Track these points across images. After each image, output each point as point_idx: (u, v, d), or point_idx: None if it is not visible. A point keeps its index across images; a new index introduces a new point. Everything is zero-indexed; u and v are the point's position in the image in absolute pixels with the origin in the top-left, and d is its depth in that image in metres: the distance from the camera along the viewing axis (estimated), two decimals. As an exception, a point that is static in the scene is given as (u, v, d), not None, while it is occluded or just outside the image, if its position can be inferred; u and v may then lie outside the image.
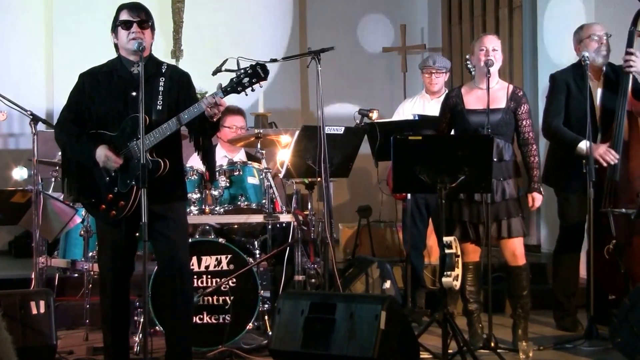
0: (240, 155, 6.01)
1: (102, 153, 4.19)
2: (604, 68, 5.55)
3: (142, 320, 4.73)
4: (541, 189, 5.10)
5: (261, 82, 4.15)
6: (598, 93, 5.54)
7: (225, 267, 5.12)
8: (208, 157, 4.46)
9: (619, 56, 5.50)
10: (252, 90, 4.18)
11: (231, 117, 6.00)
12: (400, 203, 6.30)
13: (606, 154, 5.31)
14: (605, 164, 5.30)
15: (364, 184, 8.60)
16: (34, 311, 4.66)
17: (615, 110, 5.39)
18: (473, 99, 5.11)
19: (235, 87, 4.14)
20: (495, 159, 4.80)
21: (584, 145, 5.28)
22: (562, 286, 5.72)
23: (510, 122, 5.04)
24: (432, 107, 6.13)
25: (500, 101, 5.03)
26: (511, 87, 5.17)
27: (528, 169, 5.10)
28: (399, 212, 6.47)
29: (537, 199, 5.09)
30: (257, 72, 4.14)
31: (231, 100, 4.47)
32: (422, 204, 6.01)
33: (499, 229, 4.97)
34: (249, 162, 5.61)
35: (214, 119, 4.17)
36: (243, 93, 4.17)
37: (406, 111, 6.29)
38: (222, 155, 5.90)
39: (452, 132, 5.25)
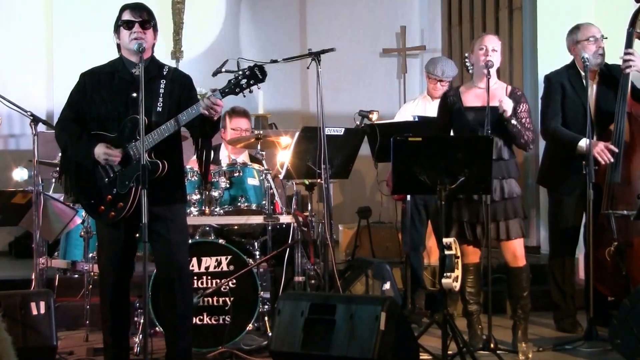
0: (243, 156, 6.01)
1: (100, 151, 4.20)
2: (599, 68, 5.56)
3: (142, 321, 4.73)
4: (509, 104, 4.91)
5: (259, 84, 4.16)
6: (593, 93, 5.54)
7: (225, 268, 5.13)
8: (206, 159, 4.46)
9: (619, 56, 5.50)
10: (250, 91, 4.19)
11: (236, 119, 6.02)
12: (399, 204, 6.30)
13: (604, 151, 5.31)
14: (602, 161, 5.30)
15: (364, 185, 8.61)
16: (34, 312, 4.66)
17: (615, 112, 5.39)
18: (471, 97, 5.11)
19: (233, 88, 4.15)
20: (493, 158, 4.79)
21: (584, 143, 5.28)
22: (559, 290, 5.72)
23: None
24: (433, 108, 6.12)
25: (498, 99, 5.01)
26: (509, 87, 5.17)
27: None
28: (398, 214, 6.48)
29: (505, 101, 4.90)
30: (255, 74, 4.15)
31: (232, 101, 4.48)
32: (421, 205, 6.01)
33: (497, 231, 4.97)
34: (249, 163, 5.62)
35: (214, 119, 4.18)
36: (241, 94, 4.18)
37: (408, 113, 6.30)
38: (225, 155, 5.90)
39: (452, 133, 5.25)
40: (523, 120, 5.02)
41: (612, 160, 5.31)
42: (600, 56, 5.47)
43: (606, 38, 5.52)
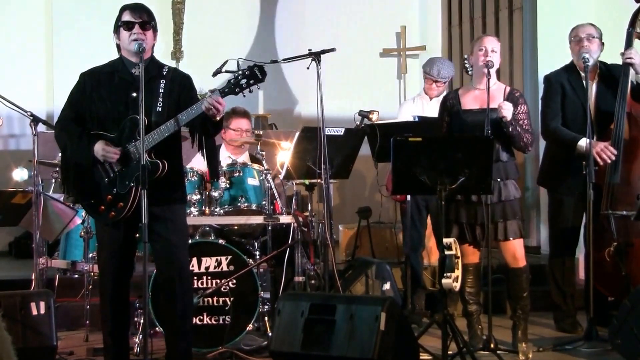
0: (244, 157, 6.01)
1: (99, 148, 4.20)
2: (598, 68, 5.56)
3: (142, 321, 4.73)
4: (509, 109, 4.90)
5: (259, 84, 4.16)
6: (593, 93, 5.54)
7: (225, 268, 5.13)
8: (211, 157, 4.46)
9: (619, 56, 5.50)
10: (250, 91, 4.19)
11: (237, 120, 6.01)
12: (399, 204, 6.29)
13: (604, 151, 5.30)
14: (601, 162, 5.30)
15: (364, 185, 8.61)
16: (35, 312, 4.66)
17: (615, 111, 5.39)
18: (470, 100, 5.11)
19: (232, 88, 4.15)
20: None
21: (583, 142, 5.28)
22: (559, 290, 5.72)
23: None
24: (431, 107, 6.14)
25: (497, 100, 5.00)
26: (508, 88, 5.17)
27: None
28: (397, 214, 6.47)
29: (505, 106, 4.89)
30: (255, 74, 4.14)
31: (233, 101, 4.48)
32: (422, 205, 6.00)
33: (495, 231, 4.96)
34: (249, 163, 5.62)
35: (217, 118, 4.18)
36: (241, 94, 4.18)
37: (409, 111, 6.28)
38: (226, 156, 5.90)
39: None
40: (521, 122, 5.02)
41: (613, 159, 5.31)
42: (585, 57, 5.35)
43: (595, 37, 5.50)
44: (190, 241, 4.92)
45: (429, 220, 6.17)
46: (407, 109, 6.37)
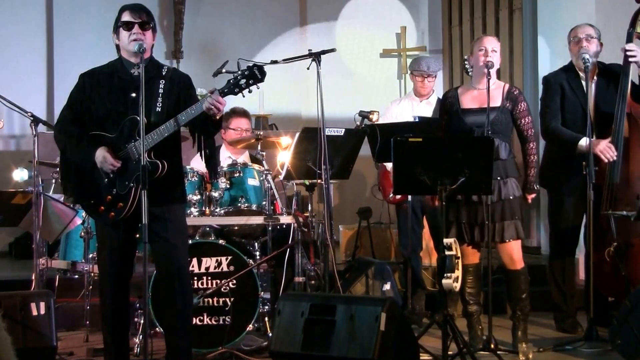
0: (244, 157, 6.01)
1: (100, 154, 4.20)
2: (597, 68, 5.55)
3: (142, 321, 4.74)
4: (534, 187, 5.12)
5: (258, 84, 4.16)
6: (592, 93, 5.53)
7: (225, 269, 5.13)
8: (210, 156, 4.46)
9: (619, 56, 5.49)
10: (249, 91, 4.18)
11: (237, 119, 6.02)
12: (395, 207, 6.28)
13: (606, 150, 5.30)
14: (605, 160, 5.29)
15: (364, 185, 8.61)
16: (35, 312, 4.66)
17: (615, 112, 5.39)
18: (469, 99, 5.12)
19: (232, 88, 4.14)
20: None
21: (584, 142, 5.28)
22: (559, 290, 5.72)
23: (507, 120, 5.04)
24: (422, 108, 6.15)
25: (495, 100, 5.01)
26: (507, 86, 5.17)
27: (524, 167, 5.11)
28: (392, 215, 6.46)
29: (529, 199, 5.17)
30: (254, 74, 4.14)
31: (233, 101, 4.48)
32: (417, 206, 5.99)
33: (493, 232, 4.96)
34: (250, 163, 5.62)
35: (217, 117, 4.18)
36: (240, 94, 4.17)
37: (394, 113, 6.27)
38: (226, 156, 5.90)
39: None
40: (523, 120, 5.04)
41: (615, 159, 5.30)
42: (585, 57, 5.35)
43: (594, 38, 5.49)
44: (190, 241, 4.92)
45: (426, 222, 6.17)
46: (392, 111, 6.34)
